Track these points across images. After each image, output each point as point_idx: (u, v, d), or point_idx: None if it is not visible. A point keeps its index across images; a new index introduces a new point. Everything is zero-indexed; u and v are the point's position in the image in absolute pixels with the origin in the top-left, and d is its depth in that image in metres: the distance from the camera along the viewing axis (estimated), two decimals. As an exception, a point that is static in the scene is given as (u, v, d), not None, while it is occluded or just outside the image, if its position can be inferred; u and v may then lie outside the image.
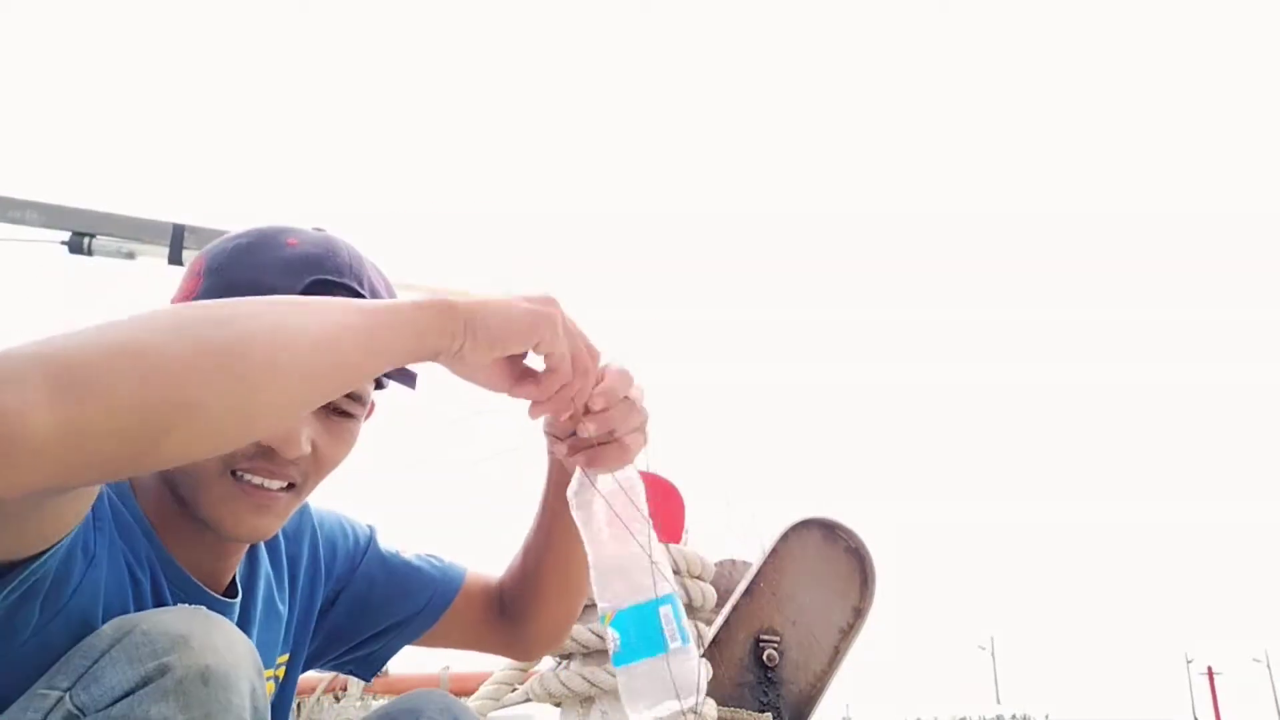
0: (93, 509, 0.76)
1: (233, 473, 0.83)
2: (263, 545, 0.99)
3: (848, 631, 1.75)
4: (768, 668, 1.71)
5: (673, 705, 0.81)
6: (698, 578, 1.74)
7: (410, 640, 1.15)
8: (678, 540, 1.77)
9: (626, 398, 0.84)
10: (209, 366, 0.61)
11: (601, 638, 1.59)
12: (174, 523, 0.86)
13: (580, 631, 1.60)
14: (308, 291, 0.82)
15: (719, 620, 1.72)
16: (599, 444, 0.85)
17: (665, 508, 1.59)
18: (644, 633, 0.82)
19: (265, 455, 0.83)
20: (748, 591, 1.75)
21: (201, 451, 0.64)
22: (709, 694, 1.62)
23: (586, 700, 1.61)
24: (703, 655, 1.68)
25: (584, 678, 1.57)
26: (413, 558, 1.14)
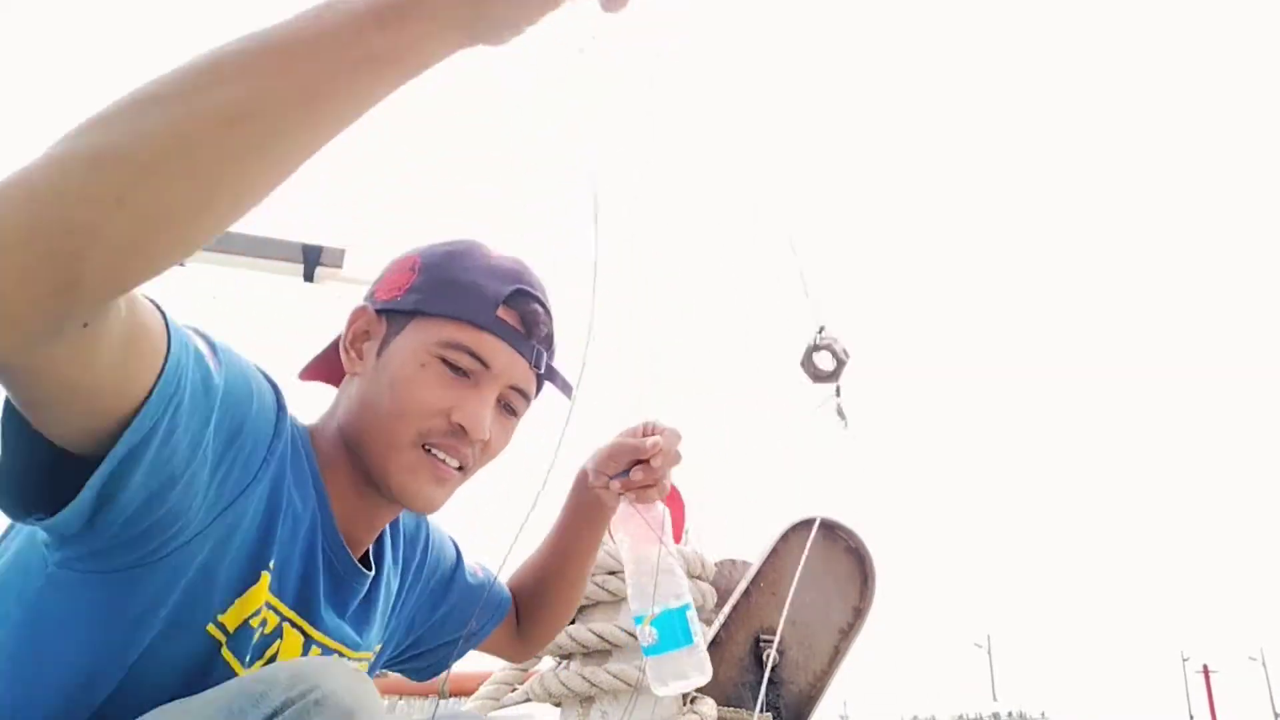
0: (276, 438, 0.81)
1: (424, 446, 0.90)
2: (389, 535, 1.05)
3: (848, 631, 1.75)
4: (768, 668, 1.71)
5: (697, 681, 1.05)
6: (698, 578, 1.74)
7: (462, 654, 1.24)
8: (678, 540, 1.78)
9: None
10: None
11: (601, 638, 1.59)
12: (341, 485, 0.93)
13: (580, 632, 1.60)
14: (512, 298, 0.93)
15: (719, 620, 1.72)
16: (645, 485, 1.06)
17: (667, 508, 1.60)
18: (676, 630, 1.04)
19: (456, 434, 0.90)
20: (747, 591, 1.75)
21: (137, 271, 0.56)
22: (709, 694, 1.62)
23: (586, 700, 1.61)
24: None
25: (584, 678, 1.57)
26: (479, 575, 1.22)
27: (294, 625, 0.89)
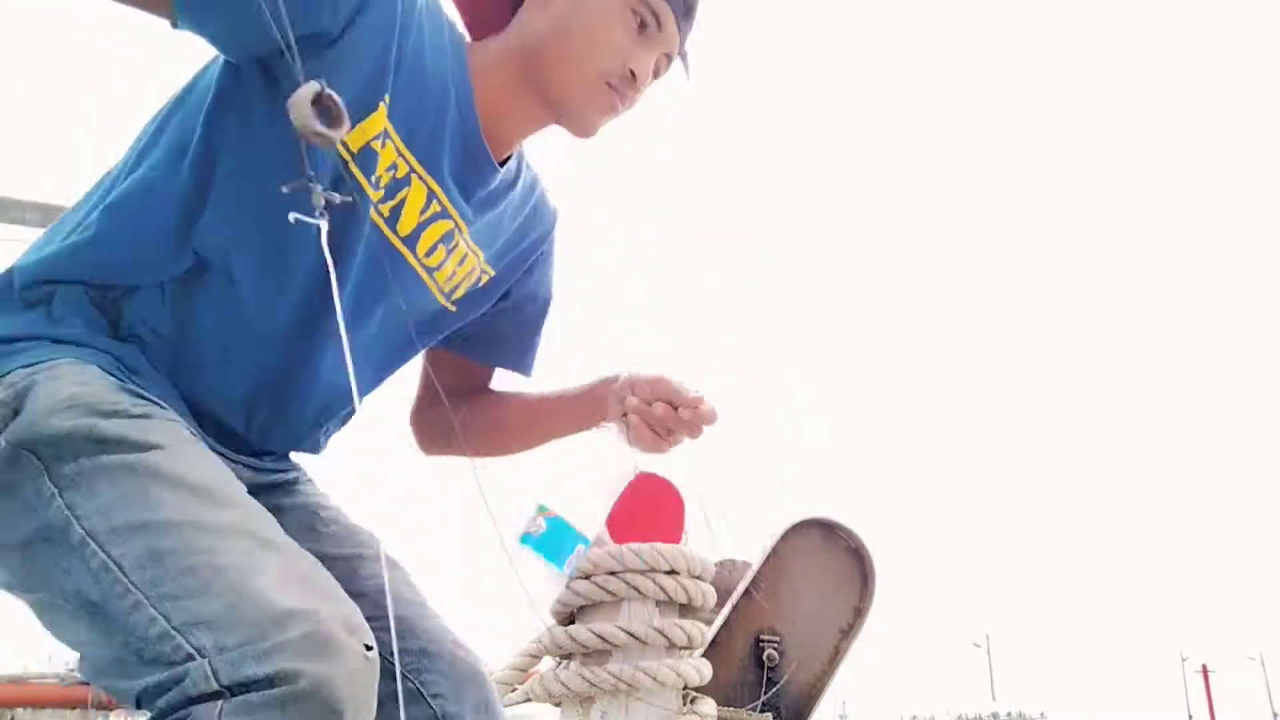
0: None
1: (607, 83, 1.08)
2: (525, 179, 1.19)
3: (848, 631, 1.75)
4: (768, 668, 1.71)
5: (531, 597, 1.05)
6: (698, 578, 1.74)
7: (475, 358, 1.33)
8: (677, 540, 1.78)
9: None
10: None
11: (601, 638, 1.59)
12: (497, 82, 1.09)
13: (580, 632, 1.60)
14: None
15: (719, 620, 1.72)
16: (654, 431, 1.13)
17: (664, 507, 1.60)
18: (560, 545, 1.04)
19: (629, 81, 1.09)
20: (748, 591, 1.75)
21: None
22: (709, 694, 1.62)
23: (586, 700, 1.61)
24: (703, 655, 1.69)
25: (584, 678, 1.57)
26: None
27: (420, 178, 1.03)
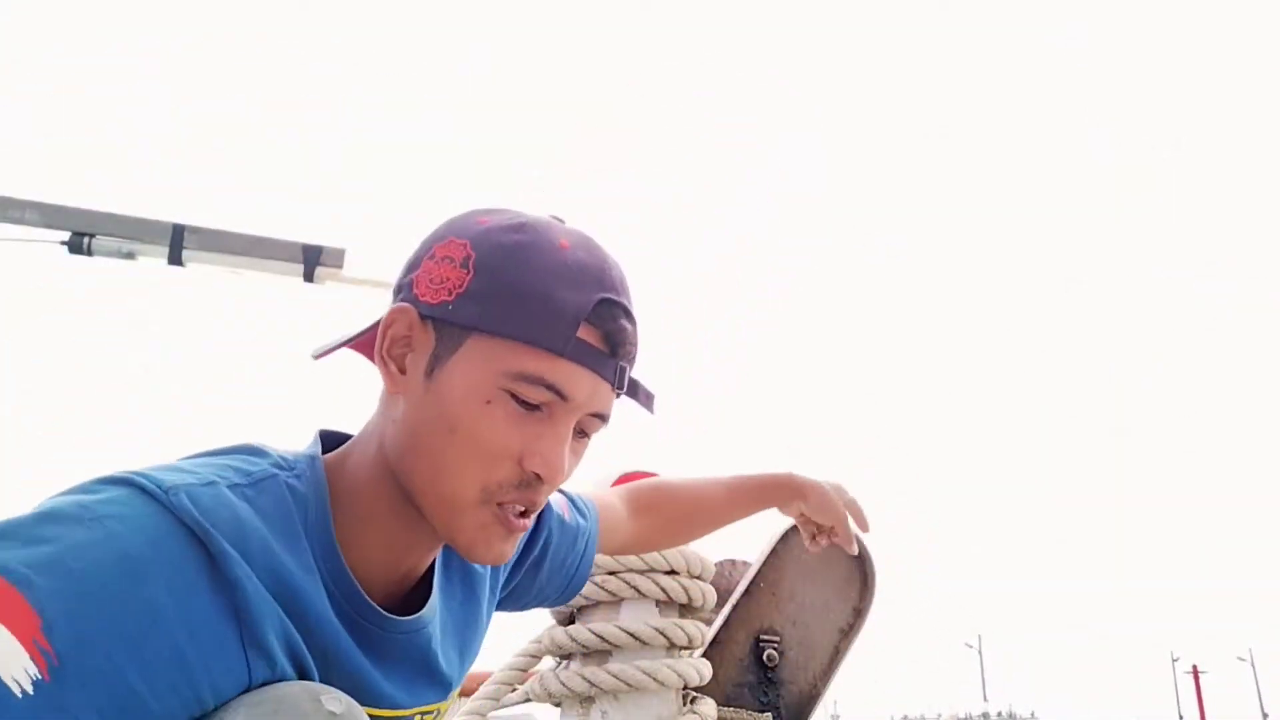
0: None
1: (497, 504, 0.77)
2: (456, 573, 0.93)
3: (848, 631, 1.76)
4: (768, 668, 1.72)
5: None
6: (698, 578, 1.75)
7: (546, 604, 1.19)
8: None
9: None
10: None
11: (601, 638, 1.59)
12: (383, 523, 0.80)
13: (580, 632, 1.60)
14: (596, 313, 0.75)
15: (719, 620, 1.73)
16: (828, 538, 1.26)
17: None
18: None
19: (531, 485, 0.77)
20: (748, 591, 1.75)
21: None
22: (709, 694, 1.62)
23: (586, 700, 1.61)
24: (703, 655, 1.70)
25: (584, 678, 1.57)
26: (570, 513, 1.10)
27: None
